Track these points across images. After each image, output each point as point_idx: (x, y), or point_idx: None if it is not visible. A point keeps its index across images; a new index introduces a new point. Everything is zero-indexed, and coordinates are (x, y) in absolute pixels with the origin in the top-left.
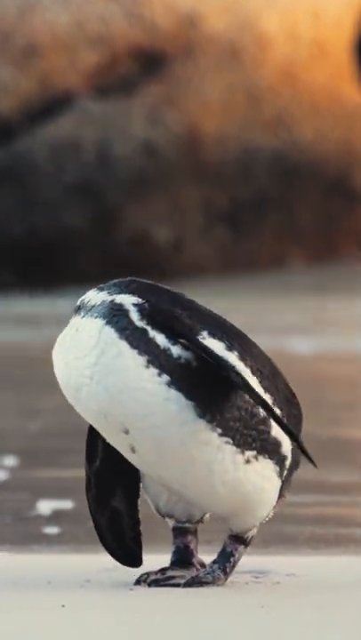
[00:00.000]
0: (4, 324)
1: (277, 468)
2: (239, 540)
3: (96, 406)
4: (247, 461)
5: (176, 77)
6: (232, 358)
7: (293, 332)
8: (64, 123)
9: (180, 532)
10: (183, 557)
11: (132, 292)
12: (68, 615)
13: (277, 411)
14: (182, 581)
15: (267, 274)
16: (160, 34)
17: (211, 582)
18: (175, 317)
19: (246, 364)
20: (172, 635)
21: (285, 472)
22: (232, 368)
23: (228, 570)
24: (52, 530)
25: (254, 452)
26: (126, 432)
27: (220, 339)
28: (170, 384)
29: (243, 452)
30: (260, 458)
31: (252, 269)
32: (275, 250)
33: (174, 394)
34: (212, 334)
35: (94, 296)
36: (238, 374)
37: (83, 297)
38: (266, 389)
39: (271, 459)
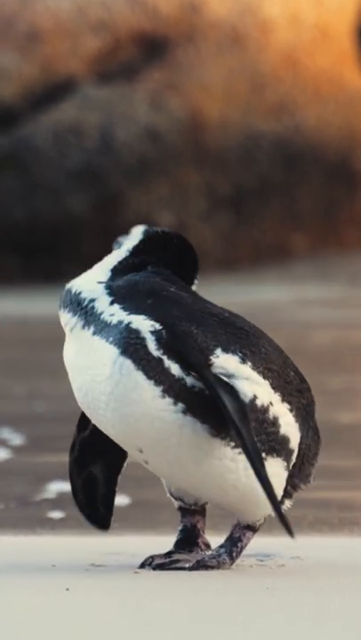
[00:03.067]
0: (8, 308)
1: (285, 463)
2: (248, 526)
3: (112, 431)
4: None
5: (178, 63)
6: (245, 371)
7: (295, 314)
8: (67, 108)
9: (187, 511)
10: (189, 537)
11: (149, 312)
12: (72, 598)
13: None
14: (187, 565)
15: (269, 258)
16: (162, 19)
17: (216, 566)
18: (190, 343)
19: (259, 371)
20: (176, 617)
21: (294, 461)
22: (236, 409)
23: (234, 555)
24: (56, 514)
25: (263, 455)
26: (140, 451)
27: (234, 352)
28: (185, 412)
29: None
30: (269, 458)
31: (254, 254)
32: (277, 234)
33: (189, 420)
34: (226, 349)
35: (103, 303)
36: (240, 416)
37: (83, 290)
38: (276, 388)
39: (280, 456)
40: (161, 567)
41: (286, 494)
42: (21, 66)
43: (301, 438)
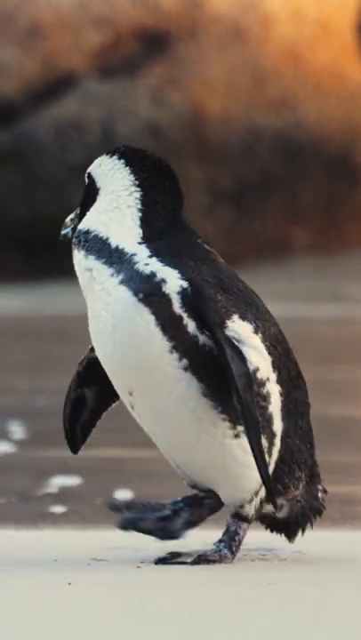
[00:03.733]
0: (10, 303)
1: (266, 444)
2: (240, 517)
3: (113, 367)
4: (236, 435)
5: (180, 58)
6: (255, 341)
7: (297, 306)
8: (68, 103)
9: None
10: (190, 498)
11: (184, 271)
12: (74, 593)
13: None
14: (189, 560)
15: (270, 253)
16: (164, 14)
17: (218, 560)
18: (211, 305)
19: (266, 345)
20: (178, 611)
21: (277, 447)
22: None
23: (234, 548)
24: (58, 508)
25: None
26: (130, 394)
27: (250, 321)
28: (187, 368)
29: (235, 427)
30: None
31: (255, 248)
32: (278, 228)
33: (187, 376)
34: (243, 317)
35: (142, 257)
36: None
37: (117, 239)
38: (275, 367)
39: (263, 432)
40: (163, 561)
41: (277, 492)
42: (23, 61)
43: (287, 430)
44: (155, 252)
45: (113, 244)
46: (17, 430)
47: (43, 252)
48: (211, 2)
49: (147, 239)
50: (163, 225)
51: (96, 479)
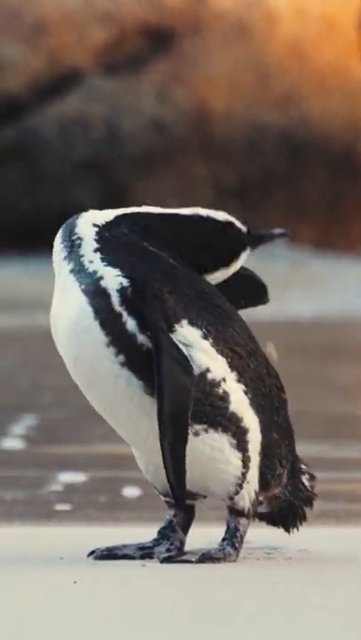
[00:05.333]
0: (13, 299)
1: (234, 441)
2: (236, 512)
3: (65, 357)
4: (195, 434)
5: (184, 54)
6: (204, 345)
7: (300, 303)
8: (73, 100)
9: (167, 505)
10: (163, 529)
11: (125, 268)
12: (80, 591)
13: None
14: (194, 559)
15: (275, 249)
16: (168, 11)
17: (222, 558)
18: (154, 304)
19: (218, 349)
20: (184, 609)
21: (249, 444)
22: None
23: (236, 545)
24: (64, 506)
25: (204, 426)
26: (85, 390)
27: (199, 326)
28: (123, 364)
29: (191, 426)
30: (212, 431)
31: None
32: (282, 225)
33: (126, 373)
34: (192, 322)
35: (88, 248)
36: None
37: (79, 227)
38: (233, 368)
39: (226, 432)
40: (168, 560)
41: (260, 487)
42: (27, 57)
43: (263, 425)
44: (101, 249)
45: (75, 233)
46: (22, 427)
47: (46, 247)
48: None
49: (102, 236)
50: (125, 230)
51: (102, 476)
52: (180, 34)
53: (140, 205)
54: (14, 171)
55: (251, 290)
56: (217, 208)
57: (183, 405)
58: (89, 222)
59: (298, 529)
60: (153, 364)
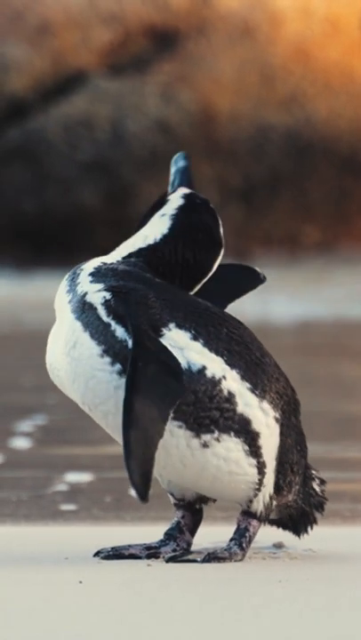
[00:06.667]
0: (20, 300)
1: (246, 447)
2: (249, 514)
3: (60, 386)
4: (204, 445)
5: (189, 55)
6: (195, 347)
7: (306, 304)
8: (78, 101)
9: (175, 506)
10: (170, 530)
11: (108, 283)
12: (85, 591)
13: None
14: (199, 558)
15: (280, 250)
16: (173, 12)
17: (227, 558)
18: (137, 309)
19: (211, 348)
20: (189, 608)
21: (262, 449)
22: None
23: (244, 545)
24: (69, 506)
25: (215, 434)
26: (90, 410)
27: (187, 329)
28: (121, 373)
29: (199, 436)
30: (224, 438)
31: (265, 246)
32: (288, 226)
33: (124, 382)
34: (180, 325)
35: (84, 277)
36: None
37: (76, 275)
38: (233, 366)
39: (239, 437)
40: (173, 560)
41: (273, 495)
42: (32, 58)
43: (281, 429)
44: (94, 274)
45: (80, 267)
46: (28, 427)
47: (52, 248)
48: None
49: (100, 267)
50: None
51: (107, 476)
52: (184, 35)
53: (143, 206)
54: (19, 172)
55: (241, 277)
56: (223, 209)
57: (159, 401)
58: (97, 260)
59: (308, 533)
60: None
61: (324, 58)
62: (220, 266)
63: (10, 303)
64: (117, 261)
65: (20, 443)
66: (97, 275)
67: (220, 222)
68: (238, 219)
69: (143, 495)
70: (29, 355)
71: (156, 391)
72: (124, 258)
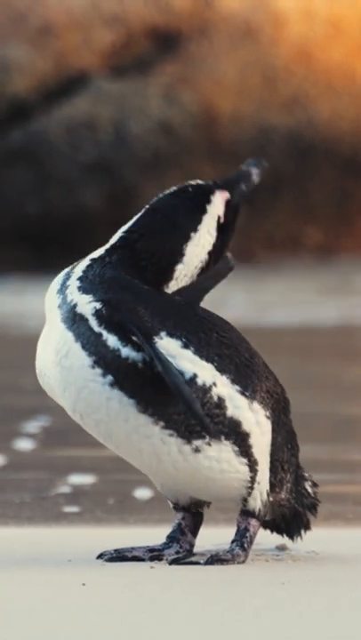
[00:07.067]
0: (21, 302)
1: (236, 448)
2: (247, 513)
3: (50, 393)
4: (196, 450)
5: (191, 56)
6: (187, 355)
7: (310, 307)
8: (80, 102)
9: (174, 509)
10: (172, 533)
11: (97, 294)
12: (88, 593)
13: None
14: (202, 560)
15: (283, 252)
16: (175, 13)
17: (230, 560)
18: (131, 316)
19: (201, 355)
20: (192, 610)
21: (253, 448)
22: (170, 373)
23: (246, 545)
24: (72, 508)
25: (206, 439)
26: (81, 418)
27: (178, 337)
28: (113, 384)
29: (190, 442)
30: (214, 442)
31: (268, 247)
32: (290, 227)
33: (116, 393)
34: (171, 334)
35: (73, 280)
36: (174, 379)
37: (68, 277)
38: (223, 371)
39: (228, 439)
40: (176, 562)
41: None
42: (35, 60)
43: (273, 426)
44: (82, 278)
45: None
46: (32, 429)
47: (55, 250)
48: (222, 1)
49: (89, 268)
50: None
51: (110, 478)
52: (187, 36)
53: (146, 207)
54: (21, 173)
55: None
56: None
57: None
58: (87, 260)
59: (302, 537)
60: (151, 365)
61: (326, 59)
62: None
63: (12, 304)
64: (105, 261)
65: (24, 444)
66: (85, 280)
67: (232, 236)
68: (241, 219)
69: (208, 427)
70: (32, 356)
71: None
72: (108, 250)
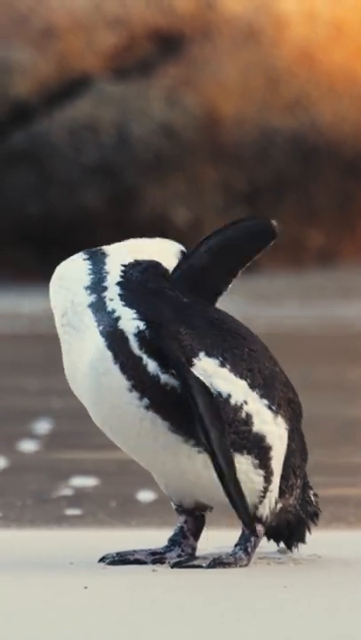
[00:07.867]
0: (23, 304)
1: (256, 461)
2: (256, 519)
3: (79, 398)
4: None
5: (194, 59)
6: (223, 373)
7: (311, 308)
8: (82, 104)
9: (177, 511)
10: (174, 536)
11: (141, 308)
12: (90, 596)
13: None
14: (205, 563)
15: (285, 254)
16: (178, 15)
17: (233, 563)
18: (173, 345)
19: (236, 372)
20: (194, 613)
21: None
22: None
23: (249, 549)
24: (74, 510)
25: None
26: (110, 431)
27: (215, 356)
28: (148, 407)
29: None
30: (237, 455)
31: (270, 249)
32: (293, 230)
33: (151, 415)
34: (209, 353)
35: (113, 281)
36: (210, 418)
37: (100, 277)
38: (255, 387)
39: (250, 454)
40: (178, 565)
41: (277, 498)
42: (37, 62)
43: (291, 433)
44: (122, 284)
45: (104, 264)
46: (33, 432)
47: (57, 251)
48: (225, 3)
49: (126, 273)
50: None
51: (113, 481)
52: (189, 38)
53: (147, 209)
54: (24, 175)
55: (252, 235)
56: (227, 213)
57: (224, 431)
58: (118, 257)
59: (298, 548)
60: (186, 398)
61: (328, 61)
62: (231, 225)
63: (14, 306)
64: (143, 268)
65: (26, 447)
66: (126, 288)
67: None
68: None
69: (249, 522)
70: (33, 357)
71: (221, 424)
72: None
